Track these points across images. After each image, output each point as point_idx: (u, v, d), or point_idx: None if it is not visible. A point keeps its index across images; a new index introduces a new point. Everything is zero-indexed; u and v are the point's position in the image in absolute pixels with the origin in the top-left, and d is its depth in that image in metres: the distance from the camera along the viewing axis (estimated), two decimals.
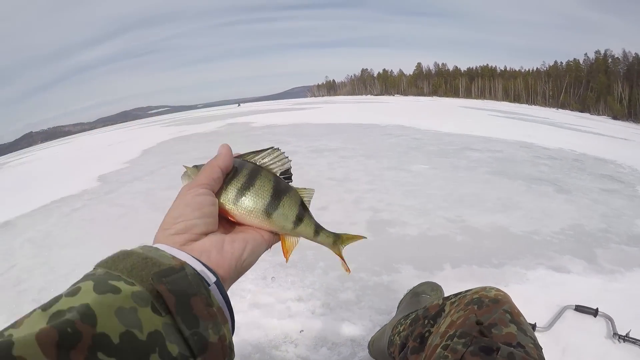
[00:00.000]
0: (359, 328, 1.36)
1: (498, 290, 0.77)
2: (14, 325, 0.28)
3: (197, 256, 0.39)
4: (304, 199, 0.54)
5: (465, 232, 2.09)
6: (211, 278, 0.38)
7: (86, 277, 0.33)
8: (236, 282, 0.44)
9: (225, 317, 0.37)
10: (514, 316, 0.70)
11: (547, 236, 2.05)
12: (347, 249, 1.95)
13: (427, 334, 0.83)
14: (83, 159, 7.62)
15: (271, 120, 10.22)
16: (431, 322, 0.85)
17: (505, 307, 0.72)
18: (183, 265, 0.36)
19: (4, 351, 0.26)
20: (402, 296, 1.36)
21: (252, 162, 0.51)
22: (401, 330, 1.01)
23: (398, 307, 1.33)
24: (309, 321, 1.41)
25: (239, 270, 0.43)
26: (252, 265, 0.46)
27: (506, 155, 3.99)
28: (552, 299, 1.49)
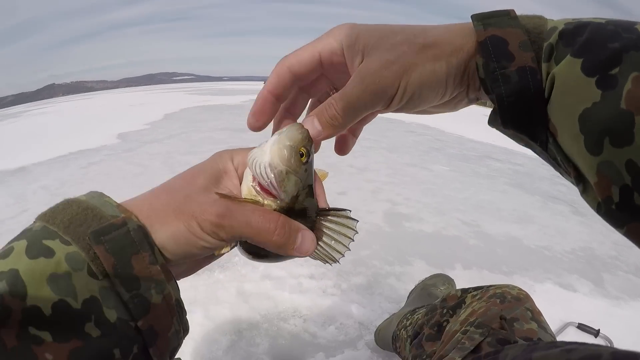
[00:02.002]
0: (367, 312, 1.38)
1: (520, 289, 0.77)
2: None
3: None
4: None
5: (479, 236, 2.08)
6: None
7: (23, 234, 0.31)
8: None
9: (171, 274, 0.33)
10: (535, 314, 0.70)
11: (558, 253, 2.03)
12: (362, 238, 1.98)
13: (445, 323, 0.82)
14: (104, 116, 7.58)
15: None
16: (450, 312, 0.84)
17: (527, 305, 0.72)
18: (126, 220, 0.31)
19: None
20: (413, 287, 1.37)
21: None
22: (407, 325, 1.01)
23: (408, 298, 1.34)
24: (320, 299, 1.43)
25: None
26: None
27: (527, 170, 3.92)
28: (557, 314, 1.48)
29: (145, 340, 0.31)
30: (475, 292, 0.83)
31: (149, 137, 4.46)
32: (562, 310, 1.53)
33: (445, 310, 0.85)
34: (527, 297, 0.75)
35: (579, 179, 0.32)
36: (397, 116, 8.10)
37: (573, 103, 0.29)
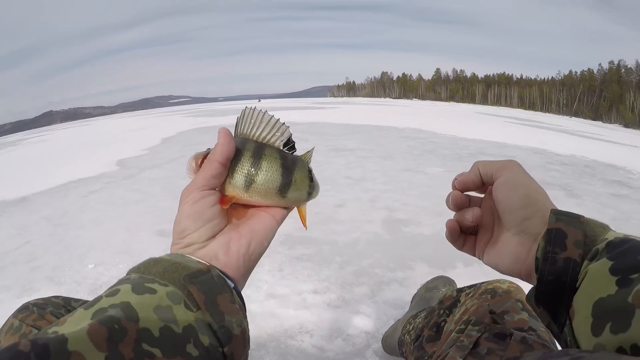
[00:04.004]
0: (373, 321, 1.36)
1: (511, 282, 0.75)
2: (57, 324, 0.31)
3: (207, 262, 0.41)
4: (309, 163, 0.47)
5: None
6: (230, 284, 0.40)
7: (122, 281, 0.36)
8: (253, 273, 0.45)
9: (245, 313, 0.40)
10: (525, 305, 0.69)
11: None
12: (363, 248, 1.96)
13: (442, 323, 0.81)
14: (102, 142, 7.55)
15: (291, 117, 10.01)
16: (446, 312, 0.83)
17: (517, 297, 0.71)
18: (209, 268, 0.39)
19: (59, 347, 0.27)
20: (416, 291, 1.36)
21: (252, 140, 0.45)
22: (410, 329, 0.99)
23: (411, 302, 1.33)
24: (325, 313, 1.41)
25: (248, 265, 0.43)
26: (263, 252, 0.46)
27: (519, 161, 3.85)
28: None
29: None
30: (469, 291, 0.82)
31: (148, 163, 4.42)
32: None
33: (442, 311, 0.84)
34: (517, 289, 0.73)
35: None
36: (390, 123, 8.12)
37: (593, 292, 0.36)
